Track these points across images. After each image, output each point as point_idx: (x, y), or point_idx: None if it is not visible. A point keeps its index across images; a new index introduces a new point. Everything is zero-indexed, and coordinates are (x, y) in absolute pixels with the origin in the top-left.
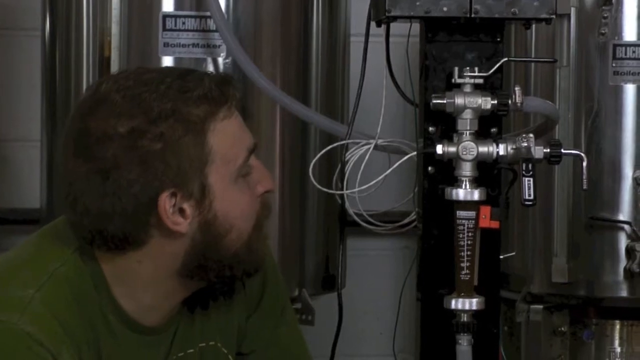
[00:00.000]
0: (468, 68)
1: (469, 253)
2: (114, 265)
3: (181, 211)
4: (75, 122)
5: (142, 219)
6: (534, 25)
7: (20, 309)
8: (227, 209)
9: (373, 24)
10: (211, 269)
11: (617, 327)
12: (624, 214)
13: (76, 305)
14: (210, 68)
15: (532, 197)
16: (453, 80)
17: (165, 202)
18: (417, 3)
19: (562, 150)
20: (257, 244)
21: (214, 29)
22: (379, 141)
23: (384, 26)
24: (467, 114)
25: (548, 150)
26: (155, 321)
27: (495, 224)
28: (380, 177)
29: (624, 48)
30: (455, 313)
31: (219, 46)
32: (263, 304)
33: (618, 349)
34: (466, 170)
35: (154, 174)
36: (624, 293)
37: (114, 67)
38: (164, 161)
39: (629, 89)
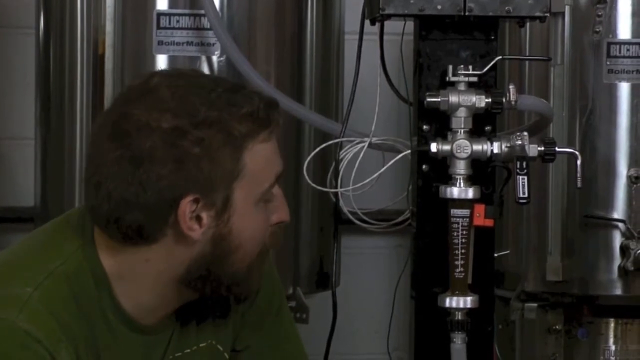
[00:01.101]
0: (462, 66)
1: (463, 251)
2: (119, 261)
3: (198, 218)
4: (118, 107)
5: (161, 216)
6: (528, 24)
7: (18, 306)
8: (241, 227)
9: (367, 22)
10: (210, 283)
11: (612, 325)
12: (618, 212)
13: (75, 303)
14: (205, 66)
15: (526, 195)
16: (447, 79)
17: (187, 205)
18: (411, 1)
19: (556, 149)
20: (257, 272)
21: (208, 27)
22: (373, 139)
23: (378, 24)
24: (461, 112)
25: (542, 148)
26: (152, 321)
27: (489, 222)
28: (375, 175)
29: (618, 46)
30: (449, 311)
31: (213, 44)
32: (257, 301)
33: (612, 347)
34: (460, 168)
35: (184, 176)
36: (618, 291)
37: (108, 65)
38: (198, 166)
39: (623, 87)
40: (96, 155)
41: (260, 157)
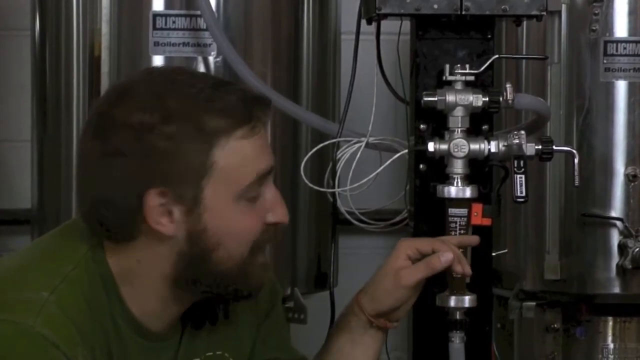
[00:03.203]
0: (459, 65)
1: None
2: (120, 264)
3: (170, 213)
4: (100, 106)
5: (132, 211)
6: (524, 22)
7: (35, 311)
8: (218, 225)
9: (364, 21)
10: (202, 284)
11: (610, 323)
12: (616, 210)
13: (88, 308)
14: (201, 67)
15: (523, 194)
16: (444, 78)
17: (153, 198)
18: (408, 0)
19: (554, 147)
20: (254, 269)
21: (205, 27)
22: (371, 139)
23: (374, 24)
24: (458, 112)
25: (540, 147)
26: (160, 327)
27: (487, 222)
28: (372, 175)
29: (615, 44)
30: (447, 311)
31: (210, 45)
32: (272, 315)
33: (611, 346)
34: (458, 167)
35: (150, 169)
36: (616, 289)
37: (104, 67)
38: (164, 160)
39: (620, 86)
40: (79, 157)
41: (236, 155)
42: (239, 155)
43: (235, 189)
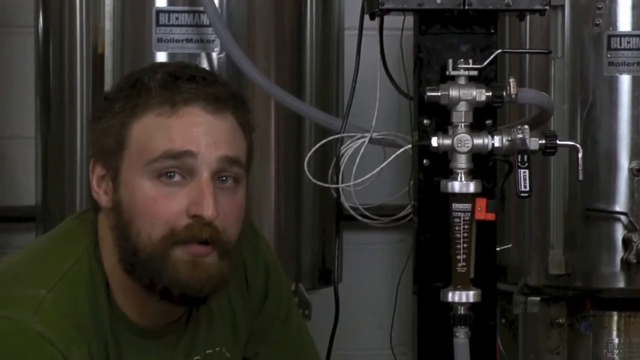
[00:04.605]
0: (462, 60)
1: (465, 245)
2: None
3: (106, 185)
4: None
5: (89, 184)
6: (528, 17)
7: (32, 308)
8: (129, 199)
9: (367, 17)
10: (136, 271)
11: (615, 318)
12: (620, 204)
13: (88, 304)
14: (204, 63)
15: (527, 189)
16: (447, 73)
17: (95, 168)
18: None
19: (558, 142)
20: (175, 263)
21: (208, 24)
22: (374, 134)
23: (377, 19)
24: (462, 106)
25: (543, 141)
26: (152, 324)
27: (491, 216)
28: (376, 171)
29: (618, 38)
30: (452, 306)
31: (213, 41)
32: (267, 306)
33: (616, 340)
34: (461, 162)
35: (93, 143)
36: (621, 284)
37: (108, 64)
38: (97, 133)
39: (624, 80)
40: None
41: (148, 130)
42: (152, 130)
43: (142, 162)
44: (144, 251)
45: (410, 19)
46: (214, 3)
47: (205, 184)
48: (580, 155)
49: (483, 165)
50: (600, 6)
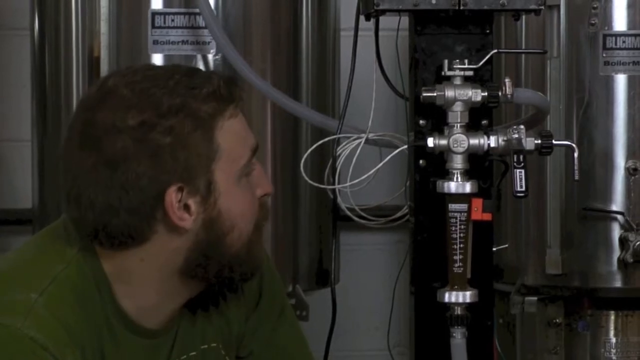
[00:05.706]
0: (458, 60)
1: (461, 246)
2: (115, 264)
3: (186, 207)
4: (81, 115)
5: (148, 213)
6: (523, 17)
7: (23, 313)
8: (230, 207)
9: (362, 17)
10: (212, 269)
11: (612, 317)
12: (617, 204)
13: (80, 308)
14: (200, 65)
15: (524, 189)
16: (443, 73)
17: (172, 196)
18: None
19: (554, 141)
20: (256, 247)
21: (204, 25)
22: (370, 135)
23: (373, 20)
24: (458, 107)
25: (539, 141)
26: (156, 324)
27: (487, 216)
28: (372, 171)
29: (614, 38)
30: (449, 306)
31: (209, 43)
32: (261, 305)
33: (613, 340)
34: (457, 162)
35: (163, 168)
36: (618, 283)
37: (104, 66)
38: (173, 155)
39: (620, 79)
40: (70, 167)
41: (232, 134)
42: (235, 134)
43: (237, 168)
44: (238, 250)
45: (405, 20)
46: (209, 5)
47: (260, 165)
48: (576, 154)
49: (479, 165)
50: (595, 6)
